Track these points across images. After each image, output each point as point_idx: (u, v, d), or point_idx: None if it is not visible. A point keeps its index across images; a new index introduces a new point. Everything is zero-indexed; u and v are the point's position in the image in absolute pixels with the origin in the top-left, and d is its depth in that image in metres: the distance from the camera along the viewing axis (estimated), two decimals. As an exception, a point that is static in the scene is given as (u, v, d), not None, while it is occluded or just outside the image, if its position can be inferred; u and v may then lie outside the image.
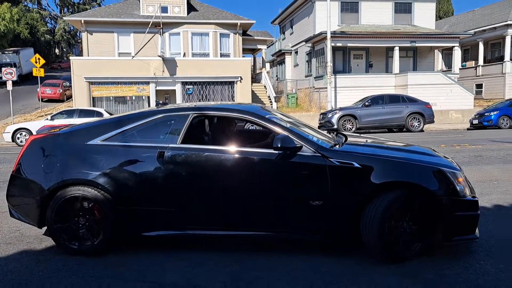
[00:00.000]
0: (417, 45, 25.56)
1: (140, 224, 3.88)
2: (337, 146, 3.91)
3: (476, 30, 29.60)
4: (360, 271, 3.46)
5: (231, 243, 4.12)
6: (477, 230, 3.83)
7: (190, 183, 3.81)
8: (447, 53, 32.65)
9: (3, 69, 22.98)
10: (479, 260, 3.66)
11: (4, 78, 21.97)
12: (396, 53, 25.09)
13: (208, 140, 4.75)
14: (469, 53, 32.85)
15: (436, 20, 39.95)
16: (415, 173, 3.66)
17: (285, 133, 3.79)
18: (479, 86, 30.46)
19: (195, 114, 4.10)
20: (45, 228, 4.23)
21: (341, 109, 19.29)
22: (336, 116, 18.38)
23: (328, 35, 22.33)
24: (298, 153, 3.68)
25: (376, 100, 18.95)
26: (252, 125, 5.23)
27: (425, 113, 18.56)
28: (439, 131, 19.44)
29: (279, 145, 3.61)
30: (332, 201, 3.61)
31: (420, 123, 18.52)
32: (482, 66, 30.24)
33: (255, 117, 4.01)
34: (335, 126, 18.21)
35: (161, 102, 4.97)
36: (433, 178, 3.66)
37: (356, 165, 3.62)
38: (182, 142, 3.89)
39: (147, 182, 3.83)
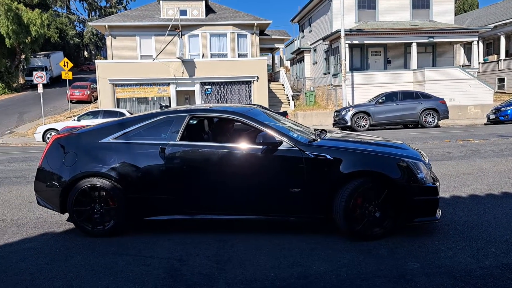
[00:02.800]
0: (435, 40, 25.46)
1: (145, 209, 4.55)
2: (316, 141, 4.48)
3: (497, 23, 29.14)
4: (319, 248, 4.03)
5: (217, 226, 4.76)
6: (438, 213, 4.34)
7: (188, 174, 4.45)
8: (469, 48, 32.20)
9: (34, 73, 24.39)
10: (434, 240, 4.15)
11: (35, 82, 23.33)
12: (414, 49, 25.07)
13: (207, 138, 5.41)
14: (491, 47, 32.30)
15: (460, 14, 39.40)
16: (379, 163, 4.22)
17: (267, 130, 4.41)
18: (501, 80, 29.98)
19: (191, 116, 4.76)
20: (66, 215, 4.97)
21: (354, 106, 19.60)
22: (350, 114, 18.72)
23: (342, 34, 22.62)
24: (279, 147, 4.29)
25: (390, 97, 19.17)
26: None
27: (439, 109, 18.66)
28: (455, 126, 19.47)
29: (261, 141, 4.25)
30: (308, 188, 4.21)
31: (435, 118, 18.63)
32: (504, 60, 29.73)
33: (242, 117, 4.64)
34: (349, 123, 18.56)
35: (164, 105, 5.69)
36: (395, 167, 4.20)
37: (329, 157, 4.21)
38: (181, 140, 4.55)
39: (151, 174, 4.49)
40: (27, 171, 9.55)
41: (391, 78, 24.66)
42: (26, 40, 36.59)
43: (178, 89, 23.44)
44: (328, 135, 4.94)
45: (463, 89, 23.81)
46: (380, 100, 18.99)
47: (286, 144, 4.31)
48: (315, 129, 5.41)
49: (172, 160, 4.46)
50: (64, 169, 4.64)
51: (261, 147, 4.30)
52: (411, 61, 25.51)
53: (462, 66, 30.02)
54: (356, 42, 25.12)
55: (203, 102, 23.59)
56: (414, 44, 25.01)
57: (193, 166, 4.46)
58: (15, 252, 4.21)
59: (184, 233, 4.61)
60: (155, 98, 23.40)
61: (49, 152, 4.83)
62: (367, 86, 24.29)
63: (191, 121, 4.84)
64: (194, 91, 23.65)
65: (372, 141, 4.95)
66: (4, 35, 33.86)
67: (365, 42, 25.54)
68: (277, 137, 4.32)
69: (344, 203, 4.09)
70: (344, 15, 22.95)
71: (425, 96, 19.36)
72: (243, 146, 4.46)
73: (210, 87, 23.70)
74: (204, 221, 4.68)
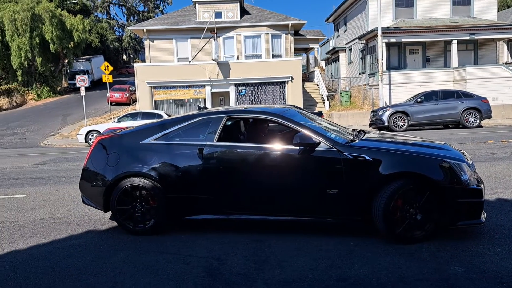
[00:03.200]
0: (476, 37, 24.52)
1: (184, 209, 4.64)
2: (354, 142, 4.43)
3: (545, 18, 27.70)
4: (357, 250, 3.98)
5: (253, 226, 4.79)
6: (483, 216, 4.18)
7: (225, 174, 4.50)
8: (514, 44, 30.75)
9: (77, 76, 25.41)
10: (479, 244, 4.01)
11: (78, 85, 24.30)
12: (454, 46, 24.24)
13: (243, 138, 5.47)
14: (540, 43, 30.68)
15: (503, 9, 37.70)
16: (420, 164, 4.11)
17: (304, 131, 4.40)
18: (550, 78, 28.42)
19: (228, 117, 4.82)
20: (109, 213, 5.14)
21: (392, 106, 19.17)
22: (387, 114, 18.32)
23: (379, 32, 22.19)
24: (317, 148, 4.27)
25: (429, 96, 18.62)
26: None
27: (481, 108, 17.94)
28: (499, 126, 18.67)
29: (298, 141, 4.23)
30: (346, 190, 4.17)
31: (477, 118, 17.93)
32: (553, 56, 28.22)
33: (278, 118, 4.65)
34: (386, 124, 18.17)
35: (202, 106, 5.81)
36: (437, 169, 4.08)
37: (368, 158, 4.15)
38: (218, 140, 4.62)
39: (189, 174, 4.58)
40: (72, 171, 9.97)
41: (430, 77, 23.93)
42: (69, 45, 38.17)
43: (213, 90, 23.75)
44: (366, 136, 4.88)
45: (506, 88, 22.80)
46: (419, 100, 18.48)
47: (323, 145, 4.28)
48: (353, 130, 5.35)
49: (209, 161, 4.54)
50: (107, 169, 4.79)
51: (298, 147, 4.29)
52: (451, 59, 24.67)
53: (506, 63, 28.71)
54: (393, 40, 24.57)
55: (237, 103, 23.78)
56: (455, 42, 24.18)
57: (230, 167, 4.51)
58: (62, 249, 4.41)
59: (221, 233, 4.68)
60: (191, 100, 23.81)
61: (93, 153, 5.00)
62: (404, 86, 23.70)
63: (227, 122, 4.90)
64: (228, 92, 23.88)
65: (411, 142, 4.82)
66: (49, 40, 35.44)
67: (403, 40, 24.93)
68: (315, 137, 4.30)
69: (383, 205, 4.01)
70: (381, 13, 22.49)
71: (467, 95, 18.67)
72: (280, 146, 4.47)
73: (244, 88, 23.87)
74: (241, 221, 4.73)
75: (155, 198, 4.62)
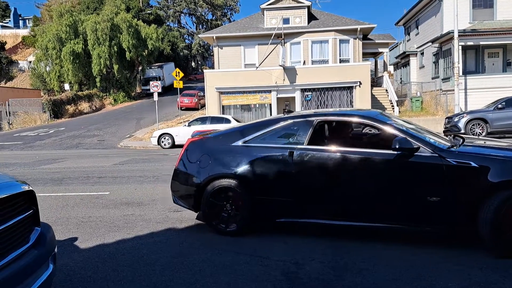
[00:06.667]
0: None
1: (272, 211, 4.67)
2: (455, 148, 4.21)
3: None
4: (445, 262, 3.78)
5: (332, 232, 4.73)
6: None
7: (316, 178, 4.48)
8: None
9: (151, 82, 26.79)
10: None
11: (151, 90, 25.59)
12: (540, 48, 22.31)
13: (327, 142, 5.38)
14: None
15: None
16: None
17: (403, 135, 4.23)
18: None
19: (319, 120, 4.80)
20: (187, 212, 5.37)
21: (469, 112, 18.02)
22: (463, 120, 17.25)
23: (456, 35, 21.01)
24: (416, 153, 4.09)
25: (511, 103, 17.27)
26: (369, 129, 5.73)
27: None
28: None
29: (397, 146, 4.07)
30: (448, 198, 3.96)
31: None
32: None
33: (375, 122, 4.56)
34: (462, 131, 17.12)
35: (287, 109, 5.86)
36: None
37: (474, 164, 3.91)
38: (308, 144, 4.60)
39: (278, 177, 4.61)
40: (148, 171, 10.51)
41: (511, 82, 22.22)
42: (144, 53, 40.40)
43: (279, 96, 23.87)
44: (468, 141, 4.63)
45: None
46: (500, 106, 17.20)
47: (423, 150, 4.11)
48: (448, 135, 5.11)
49: (300, 164, 4.51)
50: (199, 170, 4.90)
51: (395, 152, 4.13)
52: (537, 62, 22.71)
53: None
54: (470, 43, 23.14)
55: (302, 109, 23.68)
56: (541, 44, 22.24)
57: (321, 170, 4.46)
58: (145, 244, 4.66)
59: (299, 237, 4.67)
60: (257, 105, 24.11)
61: (185, 154, 5.12)
62: (482, 91, 22.20)
63: (317, 125, 4.83)
64: (294, 97, 23.87)
65: None
66: (125, 49, 37.80)
67: (481, 43, 23.39)
68: (414, 142, 4.13)
69: (492, 215, 3.75)
70: (457, 15, 21.29)
71: (554, 102, 17.06)
72: (375, 151, 4.36)
73: (310, 93, 23.72)
74: (320, 225, 4.64)
75: (244, 200, 4.67)
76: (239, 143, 4.88)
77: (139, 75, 45.50)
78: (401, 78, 35.18)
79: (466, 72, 23.43)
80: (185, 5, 59.15)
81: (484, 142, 4.80)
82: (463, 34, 22.18)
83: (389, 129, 4.41)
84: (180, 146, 19.30)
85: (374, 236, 4.57)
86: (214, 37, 26.80)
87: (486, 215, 3.79)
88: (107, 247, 4.61)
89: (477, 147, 4.38)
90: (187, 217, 5.72)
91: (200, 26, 64.77)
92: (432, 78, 27.35)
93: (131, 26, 38.11)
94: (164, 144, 19.21)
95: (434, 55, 27.28)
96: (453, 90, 21.73)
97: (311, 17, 27.09)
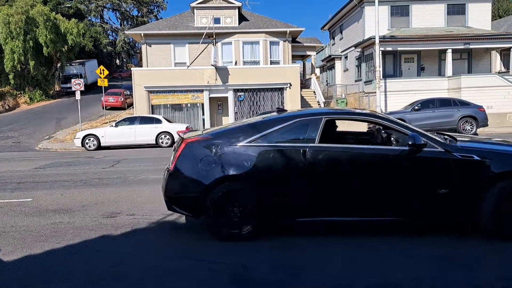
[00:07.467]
0: (471, 47, 24.84)
1: (291, 212, 4.50)
2: (455, 143, 4.54)
3: (537, 29, 28.17)
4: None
5: (286, 233, 4.74)
6: None
7: (331, 176, 4.44)
8: (506, 54, 31.23)
9: (72, 80, 25.16)
10: None
11: (73, 89, 24.05)
12: (449, 55, 24.54)
13: (333, 140, 5.40)
14: (531, 53, 31.19)
15: (495, 19, 38.32)
16: None
17: (414, 133, 4.44)
18: (542, 87, 28.85)
19: (327, 118, 4.73)
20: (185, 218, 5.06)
21: (389, 113, 19.30)
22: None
23: (377, 41, 22.37)
24: (426, 149, 4.35)
25: (426, 104, 18.78)
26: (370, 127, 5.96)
27: (478, 117, 18.13)
28: (494, 134, 18.87)
29: (410, 142, 4.29)
30: (455, 190, 4.30)
31: (473, 126, 18.11)
32: (545, 66, 28.67)
33: (384, 120, 4.68)
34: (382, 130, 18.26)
35: (281, 108, 5.69)
36: None
37: (476, 158, 4.32)
38: (320, 142, 4.53)
39: (292, 176, 4.45)
40: (74, 175, 9.83)
41: (426, 85, 24.17)
42: (63, 49, 37.83)
43: (212, 95, 23.70)
44: (459, 138, 4.96)
45: (501, 97, 23.08)
46: (416, 107, 18.63)
47: (431, 146, 4.38)
48: (436, 133, 5.37)
49: (314, 162, 4.43)
50: (201, 173, 4.51)
51: (406, 148, 4.36)
52: (446, 68, 24.95)
53: (499, 72, 29.12)
54: (389, 49, 24.80)
55: (235, 109, 23.75)
56: (450, 51, 24.48)
57: (336, 168, 4.46)
58: (79, 254, 4.32)
59: (247, 240, 4.62)
60: (189, 105, 23.72)
61: (182, 156, 4.67)
62: (400, 93, 23.89)
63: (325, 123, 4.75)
64: (227, 97, 23.85)
65: (507, 143, 4.93)
66: (42, 44, 35.08)
67: (399, 49, 25.18)
68: (423, 139, 4.37)
69: (493, 202, 4.20)
70: (378, 22, 22.69)
71: (463, 104, 18.87)
72: (386, 147, 4.62)
73: (243, 93, 23.86)
74: (338, 223, 4.69)
75: (255, 202, 4.44)
76: (245, 143, 4.58)
77: (58, 72, 42.55)
78: (327, 81, 36.72)
79: (385, 76, 25.05)
80: (108, 0, 56.47)
81: (472, 138, 5.28)
82: (383, 40, 23.69)
83: (398, 127, 4.60)
84: (107, 147, 18.37)
85: (322, 233, 4.66)
86: (142, 34, 25.91)
87: (489, 202, 4.21)
88: (35, 259, 4.20)
89: (475, 143, 4.78)
90: (123, 223, 5.42)
91: (125, 22, 62.29)
92: (356, 81, 28.88)
93: (49, 19, 35.48)
94: (89, 146, 18.13)
95: (357, 59, 28.82)
96: (375, 92, 23.13)
97: (242, 18, 27.25)
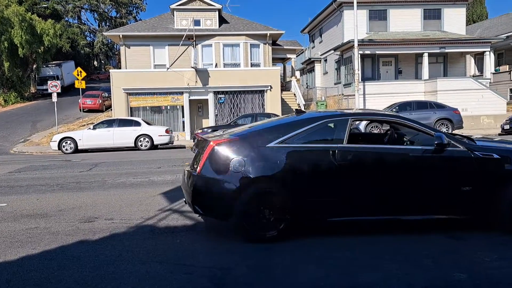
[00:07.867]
0: (446, 51, 25.50)
1: (323, 212, 4.56)
2: (472, 143, 4.75)
3: (509, 34, 29.10)
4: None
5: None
6: None
7: (360, 176, 4.54)
8: (480, 58, 32.16)
9: (49, 82, 24.67)
10: None
11: (49, 91, 23.60)
12: (425, 59, 25.11)
13: (359, 141, 5.57)
14: (503, 57, 32.24)
15: (469, 24, 39.39)
16: None
17: (440, 133, 4.62)
18: (514, 90, 29.84)
19: (353, 119, 4.86)
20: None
21: (368, 116, 19.59)
22: (363, 123, 18.68)
23: (356, 44, 22.71)
24: (449, 148, 4.55)
25: (403, 107, 19.18)
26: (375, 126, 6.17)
27: (453, 119, 18.64)
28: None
29: (437, 142, 4.48)
30: (478, 187, 4.52)
31: (449, 128, 18.58)
32: (516, 70, 29.65)
33: (407, 121, 4.84)
34: (363, 131, 18.52)
35: (298, 110, 5.68)
36: None
37: (496, 156, 4.57)
38: (348, 143, 4.61)
39: (322, 177, 4.51)
40: (51, 179, 9.62)
41: (403, 88, 24.68)
42: (39, 50, 37.05)
43: (192, 98, 23.59)
44: (474, 137, 5.19)
45: (475, 100, 23.77)
46: (394, 110, 18.97)
47: (454, 145, 4.57)
48: (450, 134, 5.50)
49: (343, 163, 4.49)
50: (231, 175, 4.47)
51: (431, 147, 4.53)
52: (422, 72, 25.52)
53: (473, 76, 29.94)
54: (368, 52, 25.20)
55: (216, 112, 23.70)
56: (426, 55, 25.06)
57: (365, 168, 4.55)
58: (55, 260, 4.21)
59: (225, 242, 4.60)
60: (168, 107, 23.55)
61: (210, 158, 4.59)
62: (378, 96, 24.31)
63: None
64: (207, 100, 23.79)
65: None
66: (18, 45, 34.28)
67: (377, 52, 25.63)
68: (446, 138, 4.53)
69: (510, 201, 4.40)
70: (357, 26, 23.04)
71: (439, 106, 19.35)
72: (412, 147, 4.82)
73: (223, 96, 23.83)
74: (360, 222, 4.79)
75: (284, 203, 4.43)
76: (274, 144, 4.56)
77: (34, 73, 41.65)
78: (307, 83, 37.02)
79: (364, 79, 25.45)
80: (86, 1, 55.57)
81: (486, 138, 5.58)
82: (361, 43, 24.07)
83: (423, 128, 4.76)
84: (84, 151, 18.03)
85: (305, 235, 4.70)
86: (121, 36, 25.62)
87: (508, 198, 4.45)
88: (9, 266, 4.09)
89: (492, 142, 5.03)
90: (100, 228, 5.33)
91: (103, 23, 61.44)
92: (335, 84, 29.23)
93: (24, 20, 34.68)
94: (66, 149, 17.79)
95: (336, 62, 29.17)
96: (354, 95, 23.45)
97: (222, 21, 27.24)
